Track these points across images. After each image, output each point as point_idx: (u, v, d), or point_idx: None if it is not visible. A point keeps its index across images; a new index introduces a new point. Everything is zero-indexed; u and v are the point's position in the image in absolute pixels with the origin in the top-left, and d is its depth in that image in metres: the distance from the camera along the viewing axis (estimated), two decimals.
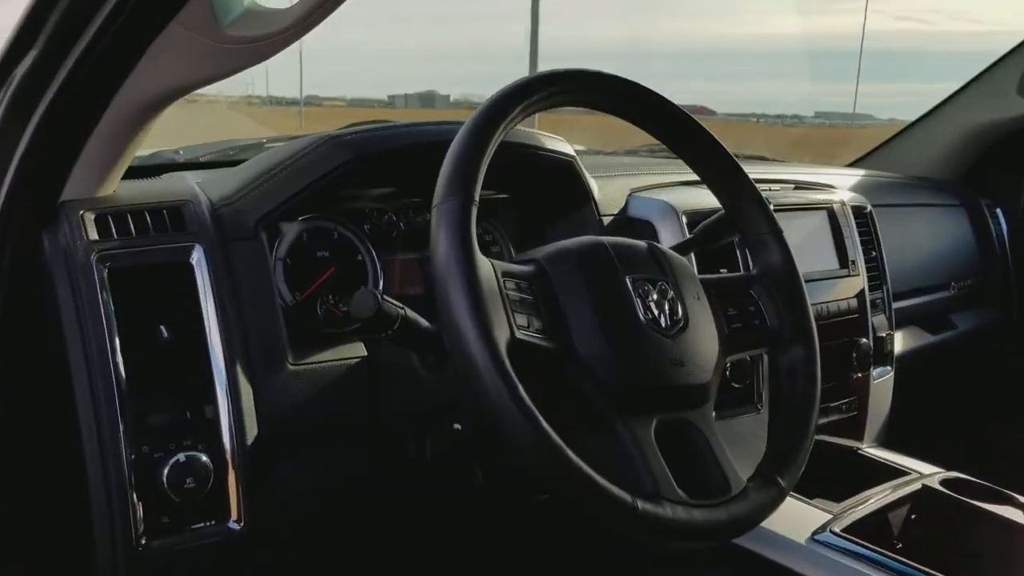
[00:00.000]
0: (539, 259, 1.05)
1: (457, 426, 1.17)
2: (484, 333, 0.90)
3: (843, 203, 1.79)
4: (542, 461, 0.91)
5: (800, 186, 1.86)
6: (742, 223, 1.23)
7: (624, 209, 1.55)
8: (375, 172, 1.28)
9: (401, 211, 1.44)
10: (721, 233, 1.36)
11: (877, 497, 1.56)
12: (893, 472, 1.70)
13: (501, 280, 0.97)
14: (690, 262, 1.46)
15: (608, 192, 1.54)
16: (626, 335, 1.02)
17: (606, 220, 1.51)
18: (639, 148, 2.39)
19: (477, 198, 0.96)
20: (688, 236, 1.41)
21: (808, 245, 1.70)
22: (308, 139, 1.23)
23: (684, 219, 1.51)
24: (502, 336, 0.92)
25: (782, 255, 1.21)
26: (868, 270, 1.82)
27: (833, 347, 1.70)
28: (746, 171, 1.23)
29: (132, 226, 1.12)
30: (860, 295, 1.76)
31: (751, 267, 1.24)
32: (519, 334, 0.95)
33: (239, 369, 1.12)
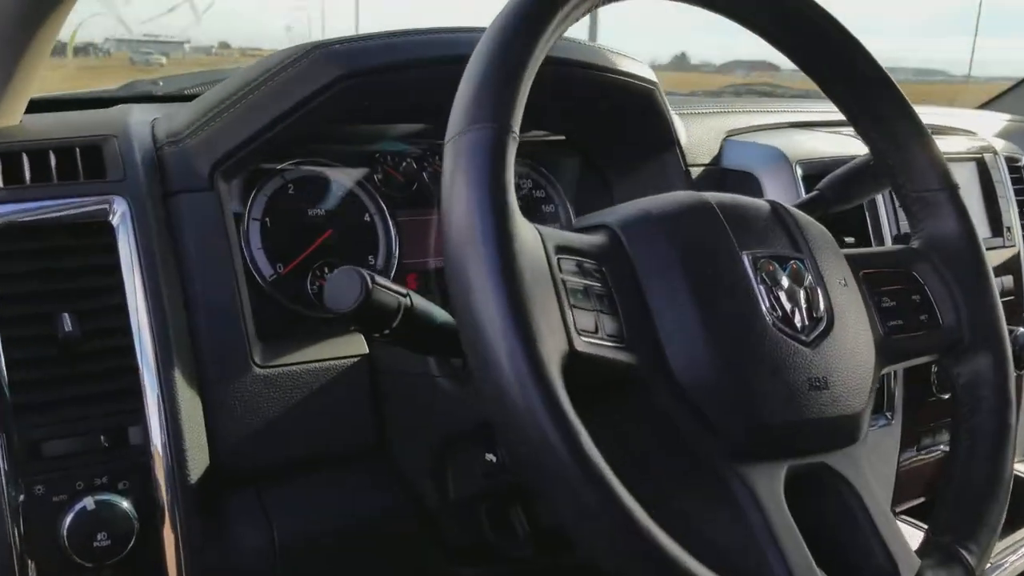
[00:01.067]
0: (612, 225, 0.70)
1: (491, 456, 0.82)
2: (524, 344, 0.55)
3: (995, 153, 1.39)
4: (615, 543, 0.56)
5: (936, 130, 1.47)
6: (900, 174, 0.86)
7: (717, 157, 1.19)
8: (385, 100, 0.93)
9: (424, 156, 1.10)
10: (863, 188, 0.99)
11: None
12: None
13: (554, 258, 0.62)
14: None
15: (697, 135, 1.17)
16: (746, 344, 0.67)
17: (694, 172, 1.15)
18: (723, 90, 2.00)
19: (517, 129, 0.61)
20: (807, 193, 1.04)
21: None
22: (287, 51, 0.88)
23: (799, 170, 1.14)
24: (554, 348, 0.57)
25: (959, 222, 0.84)
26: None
27: None
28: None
29: (27, 171, 0.79)
30: (1017, 271, 1.37)
31: (910, 236, 0.87)
32: (581, 343, 0.60)
33: (179, 373, 0.79)
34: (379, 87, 0.88)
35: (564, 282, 0.62)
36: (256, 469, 0.83)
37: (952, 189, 0.85)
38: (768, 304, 0.68)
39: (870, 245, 1.16)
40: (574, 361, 0.59)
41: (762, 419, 0.66)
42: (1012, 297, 1.36)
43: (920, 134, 0.85)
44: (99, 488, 0.74)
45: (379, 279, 0.66)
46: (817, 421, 0.69)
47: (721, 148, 1.19)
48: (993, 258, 1.31)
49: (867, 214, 1.19)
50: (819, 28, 0.80)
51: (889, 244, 1.16)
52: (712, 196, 0.73)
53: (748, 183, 1.15)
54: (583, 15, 0.67)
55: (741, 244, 0.70)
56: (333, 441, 0.87)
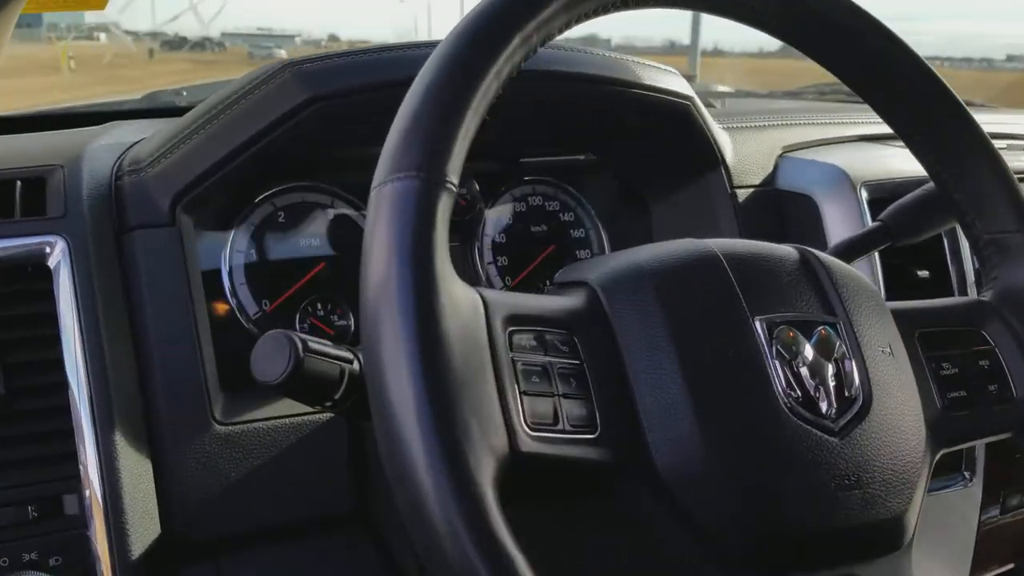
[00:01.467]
0: (591, 282, 0.58)
1: None
2: (445, 450, 0.44)
3: None
4: None
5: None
6: (969, 210, 0.71)
7: (771, 177, 1.05)
8: (360, 123, 0.83)
9: None
10: (935, 219, 0.85)
11: None
12: None
13: (500, 333, 0.51)
14: (872, 273, 0.96)
15: (748, 151, 1.04)
16: (753, 435, 0.54)
17: (741, 195, 1.01)
18: (805, 89, 1.84)
19: (455, 179, 0.50)
20: (868, 224, 0.89)
21: None
22: (257, 71, 0.79)
23: (864, 193, 0.99)
24: (487, 453, 0.46)
25: None
26: None
27: None
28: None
29: None
30: None
31: (980, 286, 0.73)
32: (529, 440, 0.49)
33: (124, 434, 0.70)
34: (352, 109, 0.78)
35: (515, 362, 0.51)
36: (215, 539, 0.75)
37: None
38: (784, 383, 0.56)
39: (947, 283, 1.01)
40: (519, 465, 0.48)
41: (771, 528, 0.54)
42: None
43: (993, 160, 0.70)
44: (26, 565, 0.67)
45: (316, 344, 0.56)
46: (846, 529, 0.56)
47: (776, 166, 1.05)
48: None
49: (946, 245, 1.03)
50: (853, 29, 0.66)
51: (971, 281, 1.00)
52: (722, 245, 0.60)
53: (805, 208, 1.01)
54: (547, 39, 0.55)
55: (753, 307, 0.57)
56: (305, 507, 0.78)
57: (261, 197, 0.89)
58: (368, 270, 0.48)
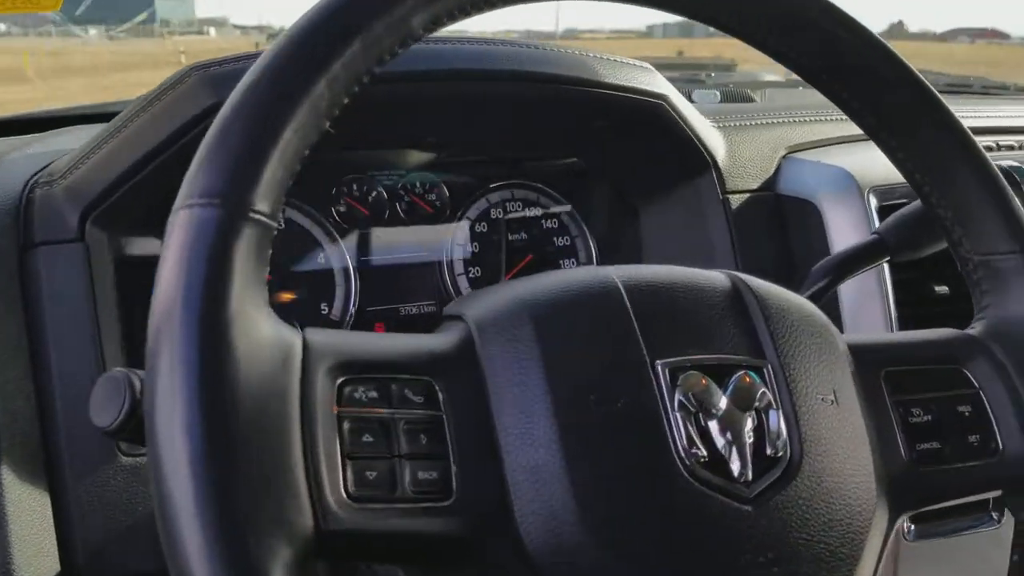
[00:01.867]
0: (467, 318, 0.50)
1: None
2: (223, 533, 0.38)
3: None
4: None
5: None
6: (956, 228, 0.61)
7: (772, 180, 0.95)
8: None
9: (397, 185, 0.93)
10: (926, 237, 0.75)
11: None
12: None
13: (323, 384, 0.44)
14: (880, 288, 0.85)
15: (746, 152, 0.94)
16: (641, 503, 0.46)
17: (735, 200, 0.91)
18: None
19: (267, 208, 0.43)
20: (869, 236, 0.79)
21: None
22: (170, 76, 0.73)
23: (872, 200, 0.89)
24: (281, 536, 0.39)
25: None
26: None
27: None
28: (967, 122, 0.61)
29: None
30: None
31: (974, 316, 0.62)
32: (348, 513, 0.42)
33: (16, 469, 0.66)
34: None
35: (341, 419, 0.44)
36: None
37: None
38: (685, 440, 0.47)
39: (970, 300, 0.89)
40: (334, 544, 0.41)
41: None
42: None
43: (982, 170, 0.60)
44: None
45: None
46: None
47: (778, 168, 0.95)
48: None
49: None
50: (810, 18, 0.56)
51: None
52: (630, 274, 0.52)
53: (807, 215, 0.91)
54: (394, 50, 0.47)
55: (656, 348, 0.49)
56: None
57: None
58: (154, 301, 0.41)
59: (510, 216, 0.96)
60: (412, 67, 0.77)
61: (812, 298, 0.78)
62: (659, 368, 0.48)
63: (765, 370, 0.51)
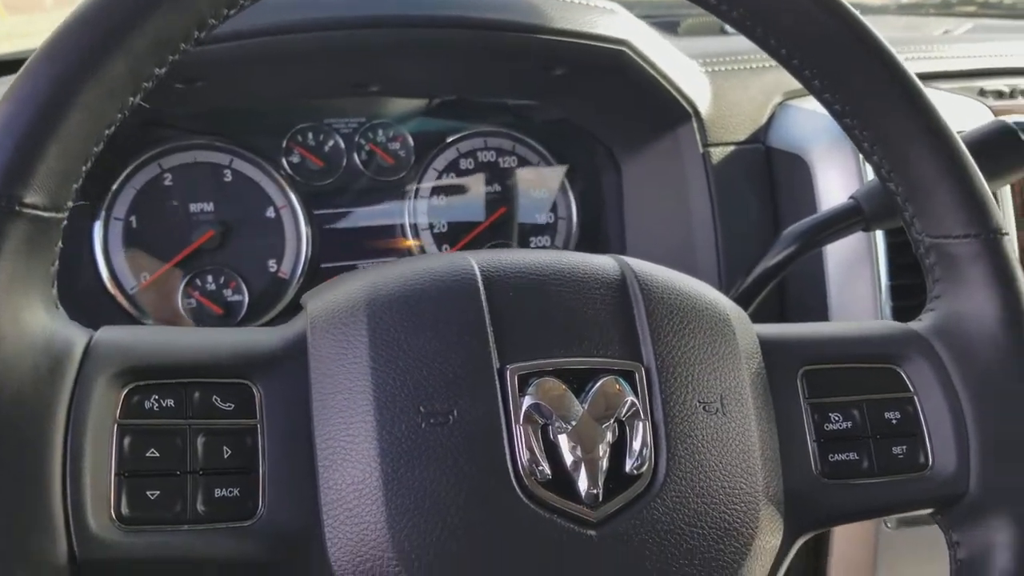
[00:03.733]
0: (308, 310, 0.46)
1: None
2: None
3: None
4: None
5: None
6: (909, 205, 0.53)
7: (763, 132, 0.86)
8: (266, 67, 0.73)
9: (355, 134, 0.88)
10: (889, 210, 0.66)
11: None
12: None
13: (110, 391, 0.40)
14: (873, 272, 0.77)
15: (735, 100, 0.85)
16: (468, 526, 0.41)
17: (716, 153, 0.83)
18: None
19: (45, 203, 0.38)
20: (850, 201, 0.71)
21: None
22: None
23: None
24: (20, 572, 0.36)
25: (997, 293, 0.50)
26: None
27: None
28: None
29: None
30: None
31: (924, 308, 0.55)
32: (116, 539, 0.38)
33: None
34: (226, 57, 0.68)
35: (121, 431, 0.40)
36: None
37: (991, 236, 0.51)
38: (527, 457, 0.42)
39: None
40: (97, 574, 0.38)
41: None
42: None
43: (941, 141, 0.51)
44: None
45: None
46: None
47: (772, 117, 0.86)
48: None
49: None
50: None
51: None
52: (492, 262, 0.46)
53: (796, 171, 0.82)
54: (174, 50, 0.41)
55: (509, 350, 0.43)
56: None
57: (145, 158, 0.81)
58: None
59: (480, 166, 0.90)
60: (357, 13, 0.71)
61: (779, 265, 0.71)
62: (508, 374, 0.43)
63: (637, 375, 0.44)
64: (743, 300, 0.72)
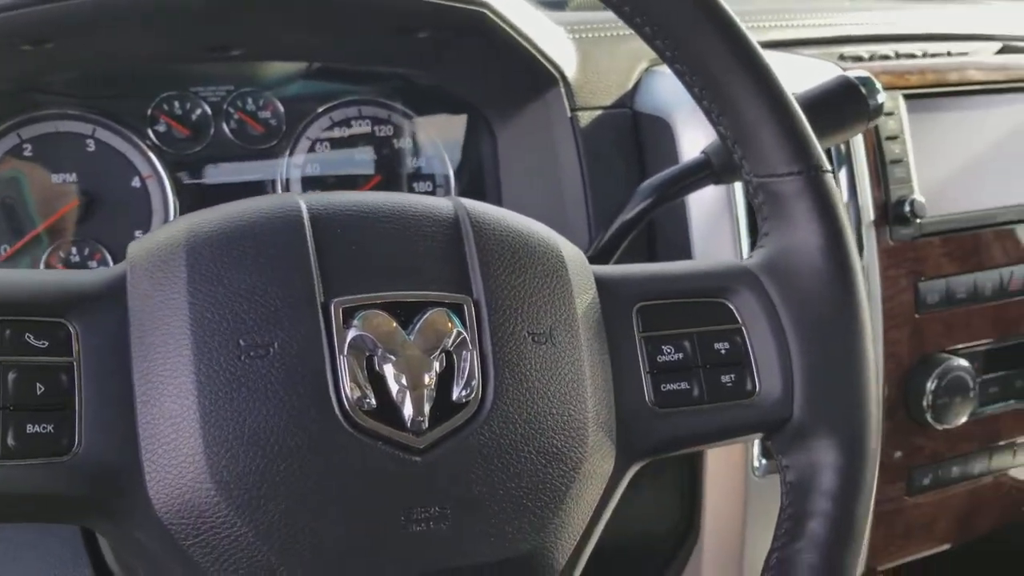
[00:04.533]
0: (130, 253, 0.45)
1: None
2: None
3: None
4: None
5: (1010, 46, 1.06)
6: (736, 147, 0.55)
7: (629, 96, 0.88)
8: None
9: (224, 102, 0.87)
10: (735, 164, 0.68)
11: None
12: None
13: None
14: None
15: (602, 66, 0.87)
16: (282, 457, 0.41)
17: (584, 117, 0.85)
18: None
19: None
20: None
21: (1007, 157, 0.94)
22: None
23: None
24: None
25: (821, 228, 0.53)
26: None
27: None
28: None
29: None
30: None
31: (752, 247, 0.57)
32: None
33: None
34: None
35: None
36: None
37: (813, 173, 0.53)
38: (350, 387, 0.42)
39: None
40: None
41: (313, 575, 0.41)
42: None
43: (763, 83, 0.53)
44: None
45: None
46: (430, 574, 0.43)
47: (639, 83, 0.88)
48: None
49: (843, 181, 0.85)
50: None
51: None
52: (321, 202, 0.47)
53: (661, 134, 0.84)
54: None
55: (334, 285, 0.44)
56: None
57: (3, 128, 0.79)
58: None
59: (355, 135, 0.90)
60: None
61: (636, 219, 0.73)
62: (332, 307, 0.43)
63: (466, 307, 0.45)
64: (605, 253, 0.73)
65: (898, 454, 0.90)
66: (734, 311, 0.53)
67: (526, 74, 0.83)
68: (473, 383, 0.44)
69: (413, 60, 0.87)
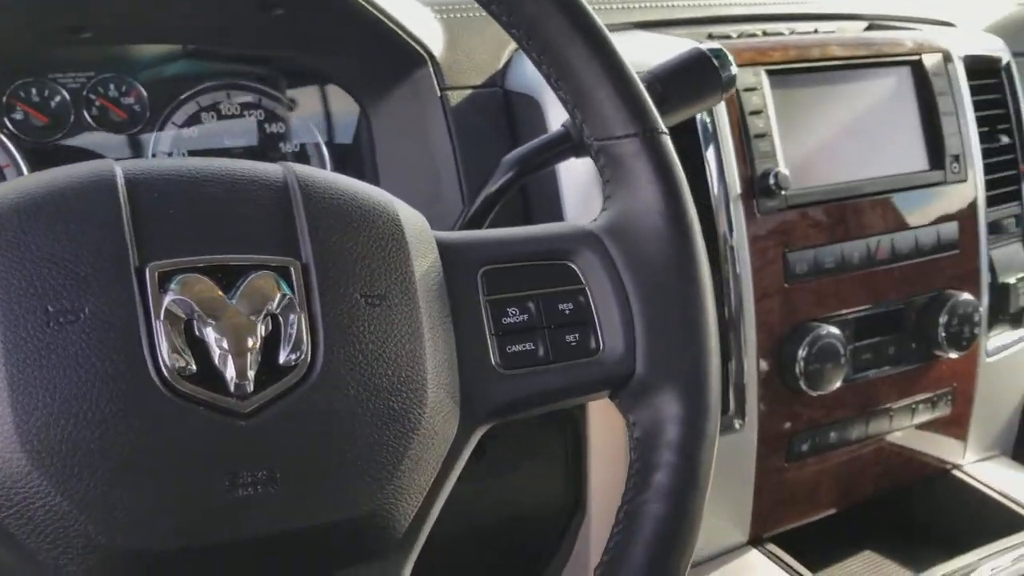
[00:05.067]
0: None
1: None
2: None
3: (945, 53, 1.02)
4: None
5: (877, 24, 1.10)
6: (576, 111, 0.55)
7: (500, 75, 0.88)
8: None
9: (85, 89, 0.84)
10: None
11: (988, 572, 0.90)
12: (1012, 518, 1.02)
13: None
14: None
15: (472, 44, 0.87)
16: (92, 425, 0.40)
17: (454, 97, 0.85)
18: None
19: None
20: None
21: (870, 130, 0.97)
22: None
23: None
24: None
25: (657, 188, 0.54)
26: (991, 168, 1.06)
27: (909, 309, 0.99)
28: None
29: None
30: (967, 215, 1.02)
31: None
32: None
33: None
34: None
35: None
36: None
37: (650, 135, 0.54)
38: (167, 352, 0.41)
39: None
40: None
41: (133, 544, 0.40)
42: (955, 251, 1.01)
43: (597, 49, 0.54)
44: None
45: None
46: (260, 539, 0.42)
47: (509, 63, 0.89)
48: (929, 199, 0.97)
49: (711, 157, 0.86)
50: None
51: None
52: (137, 167, 0.45)
53: (531, 112, 0.85)
54: None
55: (150, 249, 0.43)
56: None
57: None
58: None
59: (225, 120, 0.89)
60: None
61: (500, 190, 0.73)
62: (147, 271, 0.42)
63: (292, 269, 0.45)
64: (472, 225, 0.73)
65: (776, 422, 0.92)
66: (577, 272, 0.53)
67: (393, 53, 0.83)
68: (302, 346, 0.44)
69: (277, 40, 0.85)
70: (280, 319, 0.44)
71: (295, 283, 0.44)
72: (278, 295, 0.44)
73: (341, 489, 0.43)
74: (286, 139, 0.91)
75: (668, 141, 0.54)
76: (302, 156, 0.91)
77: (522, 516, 0.92)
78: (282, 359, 0.43)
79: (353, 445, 0.44)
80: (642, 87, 0.54)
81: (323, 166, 0.92)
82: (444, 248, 0.51)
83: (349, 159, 0.92)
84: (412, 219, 0.50)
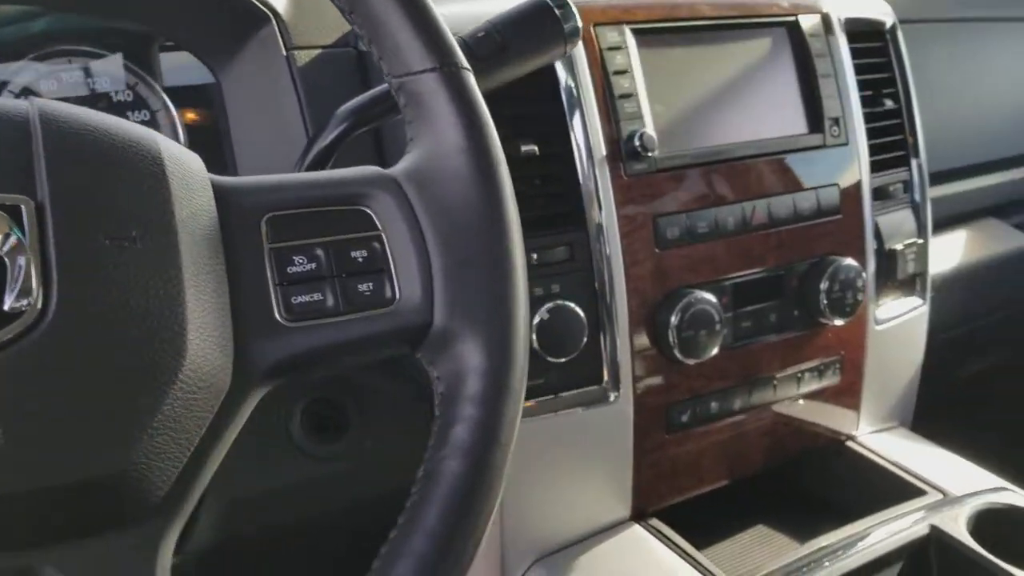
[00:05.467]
0: None
1: None
2: None
3: (824, 15, 1.00)
4: None
5: None
6: (375, 49, 0.52)
7: (354, 36, 0.85)
8: None
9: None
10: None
11: (876, 539, 0.89)
12: (905, 488, 1.01)
13: None
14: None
15: (320, 4, 0.83)
16: None
17: (302, 57, 0.81)
18: None
19: None
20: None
21: (746, 92, 0.94)
22: None
23: None
24: None
25: (457, 123, 0.50)
26: (876, 133, 1.04)
27: (789, 275, 0.97)
28: None
29: None
30: (850, 180, 1.00)
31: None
32: None
33: None
34: None
35: None
36: None
37: (451, 69, 0.50)
38: None
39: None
40: None
41: None
42: (837, 216, 0.99)
43: None
44: None
45: None
46: None
47: None
48: (809, 162, 0.95)
49: (576, 119, 0.83)
50: None
51: None
52: None
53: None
54: None
55: None
56: None
57: None
58: None
59: (67, 86, 0.84)
60: None
61: (332, 144, 0.70)
62: None
63: (24, 207, 0.41)
64: None
65: (653, 393, 0.89)
66: (373, 217, 0.50)
67: (236, 13, 0.79)
68: (31, 292, 0.39)
69: (111, 5, 0.81)
70: (6, 262, 0.40)
71: (27, 223, 0.40)
72: (5, 236, 0.40)
73: (78, 448, 0.39)
74: (132, 108, 0.86)
75: (471, 77, 0.51)
76: (150, 123, 0.87)
77: (397, 490, 0.88)
78: (7, 305, 0.39)
79: (92, 400, 0.40)
80: (441, 20, 0.51)
81: (174, 134, 0.87)
82: (224, 192, 0.47)
83: (200, 123, 0.88)
84: (180, 157, 0.46)
